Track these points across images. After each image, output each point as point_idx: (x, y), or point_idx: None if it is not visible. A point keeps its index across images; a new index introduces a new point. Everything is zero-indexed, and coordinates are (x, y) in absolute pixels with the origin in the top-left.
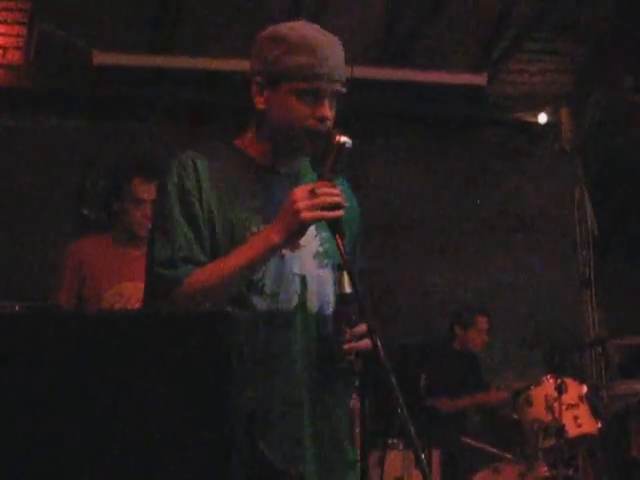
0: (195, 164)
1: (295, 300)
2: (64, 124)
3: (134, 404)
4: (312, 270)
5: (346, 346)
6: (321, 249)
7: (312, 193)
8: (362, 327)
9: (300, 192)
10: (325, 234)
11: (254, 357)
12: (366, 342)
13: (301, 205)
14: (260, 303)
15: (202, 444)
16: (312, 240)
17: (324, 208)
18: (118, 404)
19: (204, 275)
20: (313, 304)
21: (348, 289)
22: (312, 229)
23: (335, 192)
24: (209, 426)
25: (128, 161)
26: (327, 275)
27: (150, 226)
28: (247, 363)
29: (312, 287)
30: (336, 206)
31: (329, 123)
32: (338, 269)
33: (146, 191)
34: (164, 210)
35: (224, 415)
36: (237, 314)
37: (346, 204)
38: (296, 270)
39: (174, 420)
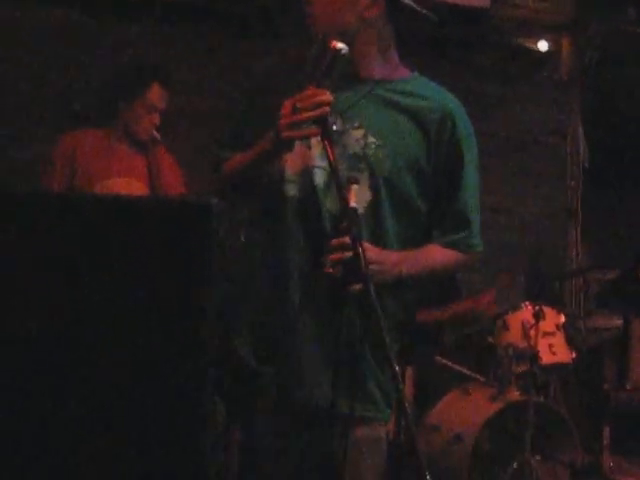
0: None
1: (308, 191)
2: (55, 19)
3: (107, 289)
4: (340, 170)
5: (330, 256)
6: (362, 153)
7: (294, 109)
8: (345, 238)
9: (285, 107)
10: (374, 139)
11: (236, 251)
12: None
13: (282, 123)
14: (288, 189)
15: (173, 336)
16: (355, 142)
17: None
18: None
19: (233, 163)
20: (332, 203)
21: (353, 203)
22: (361, 131)
23: (318, 96)
24: (180, 320)
25: (146, 64)
26: (357, 179)
27: (155, 133)
28: (226, 256)
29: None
30: (319, 107)
31: (309, 7)
32: (348, 181)
33: (160, 99)
34: None
35: (196, 309)
36: (218, 206)
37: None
38: (321, 164)
39: (145, 309)
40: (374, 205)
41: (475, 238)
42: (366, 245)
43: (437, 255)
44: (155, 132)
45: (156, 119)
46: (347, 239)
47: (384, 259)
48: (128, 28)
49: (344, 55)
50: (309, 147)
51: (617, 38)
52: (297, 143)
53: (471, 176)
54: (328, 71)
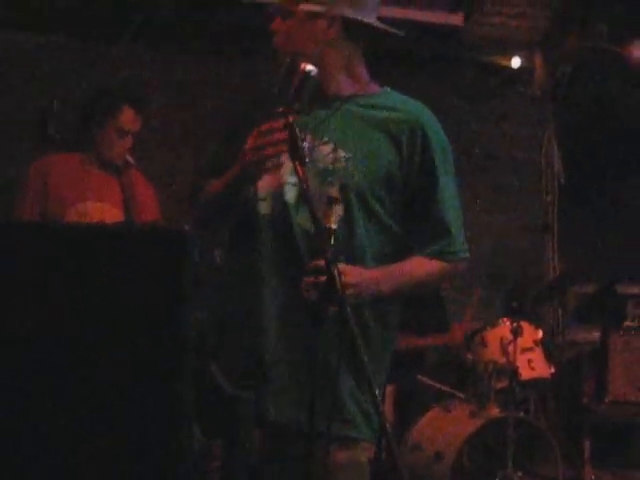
0: None
1: (279, 210)
2: (31, 41)
3: (83, 315)
4: (311, 186)
5: (305, 280)
6: (331, 167)
7: (254, 149)
8: (320, 261)
9: (249, 142)
10: (345, 153)
11: (211, 276)
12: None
13: (244, 159)
14: (260, 207)
15: (152, 362)
16: (325, 157)
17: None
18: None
19: (210, 189)
20: (304, 219)
21: (332, 224)
22: (330, 146)
23: (275, 135)
24: (158, 345)
25: (118, 87)
26: (329, 193)
27: (128, 157)
28: (201, 281)
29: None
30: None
31: (277, 37)
32: (329, 202)
33: (133, 122)
34: None
35: (174, 335)
36: (191, 232)
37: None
38: (291, 180)
39: (119, 336)
40: (347, 220)
41: (457, 246)
42: (343, 267)
43: (420, 267)
44: (128, 156)
45: (129, 143)
46: (322, 262)
47: (362, 279)
48: (105, 51)
49: (314, 76)
50: (279, 166)
51: (589, 54)
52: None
53: (447, 186)
54: (298, 93)
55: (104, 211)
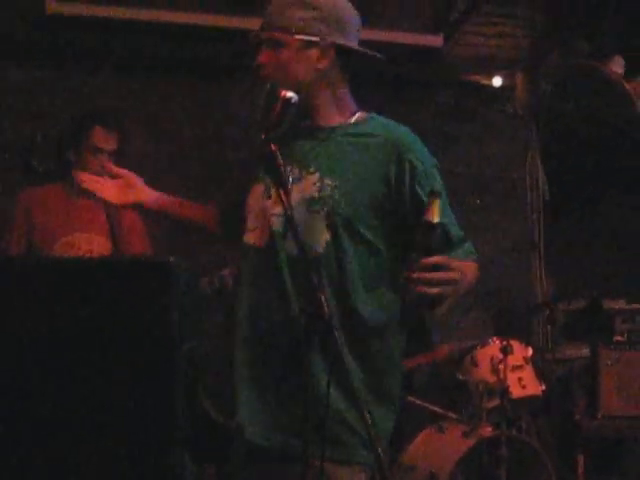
0: None
1: (267, 239)
2: (15, 73)
3: (69, 349)
4: (297, 214)
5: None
6: (317, 195)
7: None
8: (434, 274)
9: None
10: (330, 181)
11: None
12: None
13: None
14: (249, 237)
15: (143, 393)
16: (311, 186)
17: None
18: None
19: None
20: (291, 246)
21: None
22: (316, 175)
23: None
24: (149, 374)
25: (88, 111)
26: (315, 221)
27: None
28: (189, 312)
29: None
30: None
31: (264, 71)
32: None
33: (105, 140)
34: None
35: (164, 364)
36: (178, 263)
37: None
38: (276, 211)
39: (107, 369)
40: (333, 244)
41: (473, 248)
42: (457, 263)
43: (467, 268)
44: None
45: (104, 161)
46: (435, 275)
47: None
48: (86, 81)
49: (294, 104)
50: (269, 197)
51: (571, 71)
52: (258, 194)
53: (442, 205)
54: (278, 120)
55: (92, 241)
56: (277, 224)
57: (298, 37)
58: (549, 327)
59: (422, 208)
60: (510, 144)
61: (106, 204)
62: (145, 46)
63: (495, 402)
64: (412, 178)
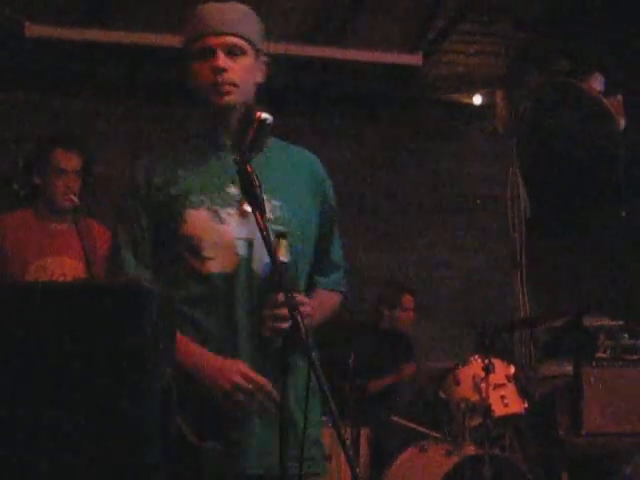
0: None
1: (235, 265)
2: None
3: (47, 372)
4: (259, 236)
5: (268, 324)
6: (271, 216)
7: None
8: (284, 309)
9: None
10: (277, 202)
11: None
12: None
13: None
14: (199, 267)
15: (117, 417)
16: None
17: None
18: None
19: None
20: (259, 268)
21: (283, 258)
22: (264, 197)
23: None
24: (122, 399)
25: (47, 135)
26: (285, 234)
27: (72, 197)
28: (163, 336)
29: (258, 252)
30: None
31: (227, 74)
32: (276, 237)
33: (67, 160)
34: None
35: (138, 389)
36: (151, 287)
37: None
38: (242, 235)
39: (86, 391)
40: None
41: (344, 280)
42: (301, 297)
43: (330, 299)
44: (72, 196)
45: (69, 182)
46: (285, 310)
47: (313, 310)
48: (66, 105)
49: (269, 125)
50: (222, 222)
51: (550, 89)
52: (209, 220)
53: (337, 229)
54: (254, 142)
55: (64, 265)
56: (242, 249)
57: (255, 48)
58: (531, 345)
59: (332, 221)
60: (491, 162)
61: (78, 227)
62: (127, 69)
63: (478, 420)
64: (326, 197)
